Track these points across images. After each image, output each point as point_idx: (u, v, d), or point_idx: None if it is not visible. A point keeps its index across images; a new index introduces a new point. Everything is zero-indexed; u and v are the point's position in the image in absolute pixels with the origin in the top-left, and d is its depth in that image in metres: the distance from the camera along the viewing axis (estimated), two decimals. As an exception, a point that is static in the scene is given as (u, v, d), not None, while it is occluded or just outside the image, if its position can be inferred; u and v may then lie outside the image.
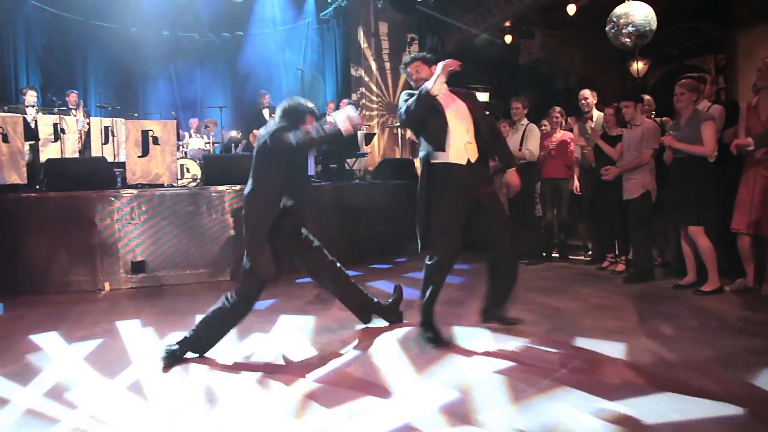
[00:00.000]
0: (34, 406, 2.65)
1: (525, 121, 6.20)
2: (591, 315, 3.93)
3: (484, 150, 3.45)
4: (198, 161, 7.96)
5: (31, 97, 8.01)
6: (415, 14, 10.70)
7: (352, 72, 11.21)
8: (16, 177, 5.94)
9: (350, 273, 5.59)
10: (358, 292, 3.67)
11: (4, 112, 7.38)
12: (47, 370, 3.15)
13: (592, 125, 5.78)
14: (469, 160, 3.33)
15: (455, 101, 3.41)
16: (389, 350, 3.29)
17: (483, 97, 12.64)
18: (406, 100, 3.40)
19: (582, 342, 3.30)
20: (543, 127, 6.35)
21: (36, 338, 3.82)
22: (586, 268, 5.77)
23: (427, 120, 3.34)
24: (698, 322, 3.66)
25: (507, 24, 10.58)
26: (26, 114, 7.48)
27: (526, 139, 6.08)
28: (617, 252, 5.60)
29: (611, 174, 5.06)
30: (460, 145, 3.32)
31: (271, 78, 11.84)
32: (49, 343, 3.69)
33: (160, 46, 12.49)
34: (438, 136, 3.32)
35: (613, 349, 3.12)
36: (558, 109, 6.31)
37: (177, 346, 3.17)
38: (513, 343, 3.29)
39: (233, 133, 9.55)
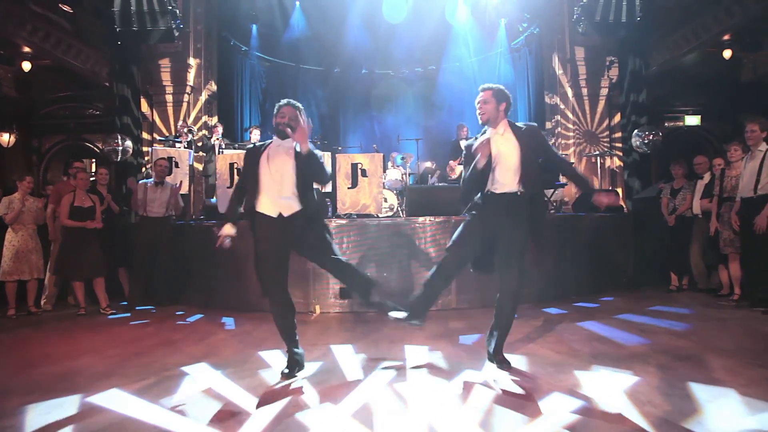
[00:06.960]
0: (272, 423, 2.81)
1: (763, 146, 5.46)
2: None
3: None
4: (395, 192, 8.25)
5: (255, 135, 9.07)
6: (616, 36, 9.99)
7: (547, 100, 10.85)
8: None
9: (552, 311, 5.32)
10: None
11: (235, 149, 8.45)
12: (279, 387, 3.37)
13: None
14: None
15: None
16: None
17: (693, 120, 11.39)
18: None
19: None
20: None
21: (264, 355, 4.16)
22: None
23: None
24: None
25: (726, 38, 9.42)
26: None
27: (766, 166, 5.26)
28: None
29: None
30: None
31: (464, 109, 11.97)
32: (276, 360, 3.98)
33: (358, 83, 13.55)
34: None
35: None
36: None
37: None
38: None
39: (428, 164, 9.77)
